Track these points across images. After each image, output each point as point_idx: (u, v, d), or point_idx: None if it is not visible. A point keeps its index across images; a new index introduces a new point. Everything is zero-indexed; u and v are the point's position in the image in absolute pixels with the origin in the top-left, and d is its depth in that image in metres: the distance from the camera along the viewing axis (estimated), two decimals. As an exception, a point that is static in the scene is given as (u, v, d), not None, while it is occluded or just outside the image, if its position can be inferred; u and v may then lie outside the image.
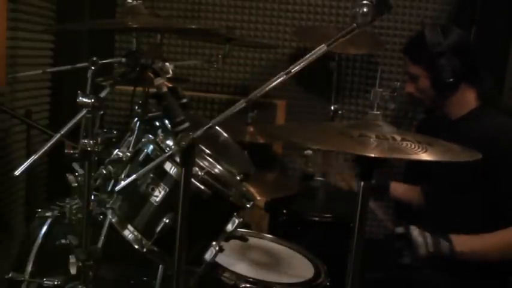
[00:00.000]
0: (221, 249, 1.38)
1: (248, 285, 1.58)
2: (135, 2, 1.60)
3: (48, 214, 1.87)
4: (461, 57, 1.79)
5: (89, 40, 2.75)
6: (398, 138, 1.15)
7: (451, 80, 1.78)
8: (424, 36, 1.81)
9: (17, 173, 1.26)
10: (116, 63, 1.57)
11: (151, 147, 1.42)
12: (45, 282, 1.73)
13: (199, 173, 1.33)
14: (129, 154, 1.54)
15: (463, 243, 1.68)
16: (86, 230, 1.46)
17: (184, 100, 1.34)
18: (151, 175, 1.36)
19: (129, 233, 1.38)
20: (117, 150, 1.57)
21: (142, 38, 1.91)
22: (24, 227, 2.45)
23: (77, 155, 1.43)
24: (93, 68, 1.44)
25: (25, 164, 1.27)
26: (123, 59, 1.50)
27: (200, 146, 1.39)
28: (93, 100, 1.35)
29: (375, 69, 2.99)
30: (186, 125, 1.20)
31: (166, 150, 1.37)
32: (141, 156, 1.44)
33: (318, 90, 2.98)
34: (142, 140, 1.47)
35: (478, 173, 1.67)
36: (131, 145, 1.64)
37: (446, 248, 1.65)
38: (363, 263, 1.13)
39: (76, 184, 1.52)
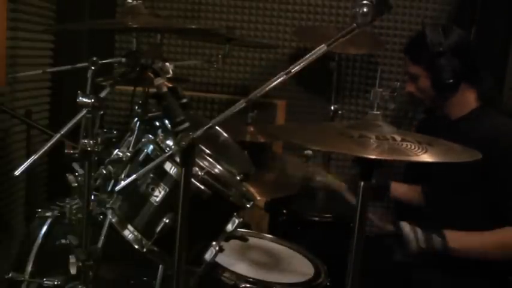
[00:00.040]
0: (221, 249, 1.38)
1: (248, 285, 1.58)
2: (135, 2, 1.60)
3: (48, 214, 1.87)
4: (461, 57, 1.79)
5: (89, 40, 2.75)
6: (398, 138, 1.15)
7: (451, 80, 1.78)
8: (424, 36, 1.81)
9: (17, 173, 1.26)
10: (116, 63, 1.57)
11: (151, 147, 1.42)
12: (45, 282, 1.73)
13: (199, 173, 1.33)
14: (129, 154, 1.54)
15: (457, 239, 1.67)
16: (86, 230, 1.46)
17: (184, 100, 1.34)
18: (151, 175, 1.36)
19: (129, 233, 1.38)
20: (117, 150, 1.57)
21: (142, 38, 1.91)
22: (24, 227, 2.45)
23: (77, 155, 1.43)
24: (93, 68, 1.44)
25: (25, 164, 1.27)
26: (123, 59, 1.50)
27: (200, 146, 1.39)
28: (93, 100, 1.35)
29: (375, 69, 2.99)
30: (186, 125, 1.20)
31: (166, 150, 1.37)
32: (141, 156, 1.44)
33: (318, 90, 2.98)
34: (142, 140, 1.47)
35: (478, 173, 1.67)
36: (131, 145, 1.64)
37: (439, 244, 1.65)
38: (363, 263, 1.13)
39: (76, 184, 1.52)
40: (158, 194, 1.36)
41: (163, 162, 1.34)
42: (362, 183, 1.11)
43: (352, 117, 3.03)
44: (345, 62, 3.02)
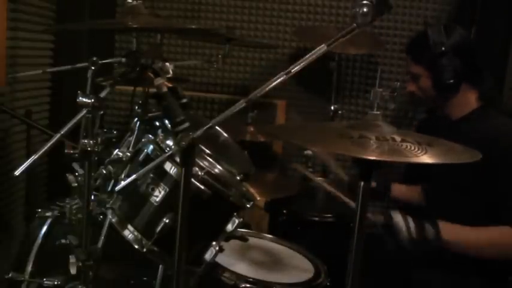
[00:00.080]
0: (221, 249, 1.38)
1: (248, 285, 1.58)
2: (135, 2, 1.60)
3: (48, 214, 1.87)
4: (463, 57, 1.79)
5: (89, 40, 2.75)
6: (398, 139, 1.15)
7: (453, 80, 1.78)
8: (427, 36, 1.80)
9: (17, 173, 1.26)
10: (116, 63, 1.57)
11: (151, 147, 1.42)
12: (45, 282, 1.73)
13: (199, 173, 1.33)
14: (129, 154, 1.54)
15: (451, 232, 1.65)
16: (86, 230, 1.46)
17: (184, 100, 1.34)
18: (151, 175, 1.36)
19: (129, 233, 1.38)
20: (117, 150, 1.57)
21: (142, 38, 1.91)
22: (24, 227, 2.45)
23: (77, 155, 1.43)
24: (93, 68, 1.44)
25: (25, 164, 1.27)
26: (123, 59, 1.50)
27: (200, 146, 1.39)
28: (93, 100, 1.35)
29: (375, 69, 2.99)
30: (186, 125, 1.20)
31: (166, 150, 1.37)
32: (141, 156, 1.44)
33: (318, 90, 2.98)
34: (142, 140, 1.47)
35: (478, 174, 1.67)
36: (131, 145, 1.64)
37: (431, 234, 1.62)
38: (363, 263, 1.13)
39: (76, 184, 1.52)
40: (158, 194, 1.36)
41: (163, 162, 1.34)
42: (362, 183, 1.11)
43: (352, 117, 3.02)
44: (345, 62, 3.02)
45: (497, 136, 1.71)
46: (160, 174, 1.36)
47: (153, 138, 1.43)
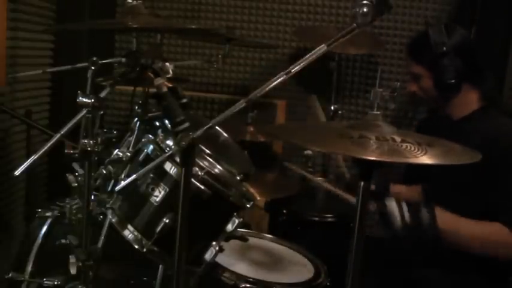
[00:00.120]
0: (221, 249, 1.38)
1: (248, 285, 1.58)
2: (135, 2, 1.60)
3: (48, 214, 1.87)
4: (464, 57, 1.79)
5: (89, 40, 2.75)
6: (398, 139, 1.15)
7: (454, 80, 1.78)
8: (428, 36, 1.80)
9: (17, 173, 1.26)
10: (116, 63, 1.57)
11: (151, 147, 1.42)
12: (45, 282, 1.73)
13: (199, 173, 1.33)
14: (129, 154, 1.54)
15: (447, 221, 1.63)
16: (86, 230, 1.46)
17: (184, 100, 1.34)
18: (151, 175, 1.36)
19: (129, 233, 1.38)
20: (117, 150, 1.57)
21: (142, 38, 1.91)
22: (24, 227, 2.45)
23: (77, 155, 1.43)
24: (93, 68, 1.44)
25: (25, 164, 1.27)
26: (123, 59, 1.50)
27: (200, 146, 1.39)
28: (93, 100, 1.35)
29: (375, 69, 2.99)
30: (186, 125, 1.20)
31: (166, 150, 1.37)
32: (141, 156, 1.44)
33: (318, 90, 2.97)
34: (142, 140, 1.46)
35: (478, 174, 1.67)
36: (131, 145, 1.64)
37: (426, 219, 1.59)
38: (363, 263, 1.13)
39: (76, 184, 1.52)
40: (158, 194, 1.36)
41: (163, 162, 1.34)
42: (362, 183, 1.11)
43: (352, 117, 3.03)
44: (345, 62, 3.02)
45: (497, 136, 1.71)
46: (160, 174, 1.36)
47: (153, 138, 1.43)
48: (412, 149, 1.11)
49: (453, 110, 1.87)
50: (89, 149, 1.40)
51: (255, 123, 2.41)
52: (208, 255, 1.37)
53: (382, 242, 1.88)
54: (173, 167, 1.35)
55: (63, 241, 1.81)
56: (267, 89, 1.06)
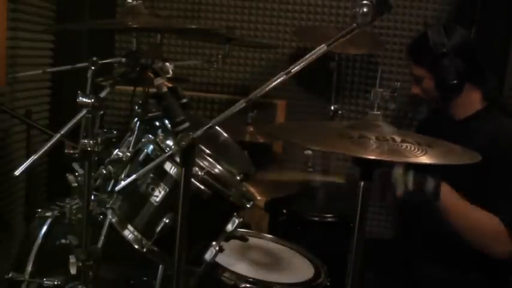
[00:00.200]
0: (221, 249, 1.38)
1: (248, 285, 1.58)
2: (135, 2, 1.60)
3: (48, 214, 1.87)
4: (464, 57, 1.79)
5: (89, 40, 2.75)
6: (398, 139, 1.15)
7: (455, 81, 1.78)
8: (427, 38, 1.80)
9: (17, 173, 1.26)
10: (116, 63, 1.57)
11: (151, 147, 1.42)
12: (45, 282, 1.73)
13: (199, 173, 1.33)
14: (129, 154, 1.54)
15: (451, 198, 1.63)
16: (86, 230, 1.46)
17: (184, 100, 1.34)
18: (151, 175, 1.36)
19: (129, 233, 1.38)
20: (117, 150, 1.57)
21: (142, 38, 1.91)
22: (24, 227, 2.45)
23: (77, 155, 1.43)
24: (93, 68, 1.44)
25: (25, 164, 1.27)
26: (123, 59, 1.50)
27: (200, 146, 1.39)
28: (93, 100, 1.35)
29: (375, 69, 2.99)
30: (186, 125, 1.20)
31: (166, 150, 1.37)
32: (141, 156, 1.44)
33: (318, 90, 2.98)
34: (142, 140, 1.47)
35: (479, 174, 1.67)
36: (131, 145, 1.64)
37: (430, 188, 1.58)
38: (363, 263, 1.13)
39: (76, 184, 1.52)
40: (158, 194, 1.36)
41: (163, 162, 1.34)
42: (362, 183, 1.11)
43: (352, 117, 3.02)
44: (345, 62, 3.02)
45: (498, 136, 1.71)
46: (160, 174, 1.36)
47: (153, 138, 1.43)
48: (412, 149, 1.11)
49: (456, 110, 1.87)
50: (89, 149, 1.40)
51: (255, 123, 2.41)
52: (208, 255, 1.37)
53: (382, 242, 1.88)
54: (173, 167, 1.35)
55: (63, 241, 1.81)
56: (267, 89, 1.06)
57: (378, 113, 1.23)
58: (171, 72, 1.39)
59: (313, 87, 3.01)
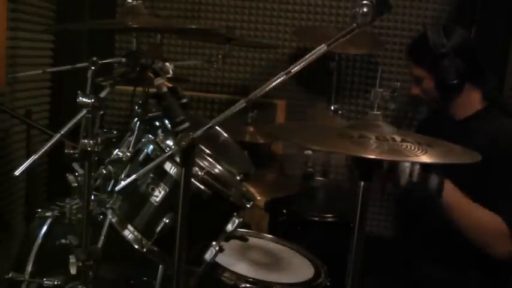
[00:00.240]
0: (221, 249, 1.38)
1: (248, 285, 1.58)
2: (135, 2, 1.60)
3: (48, 214, 1.87)
4: (464, 57, 1.79)
5: (89, 40, 2.75)
6: (398, 139, 1.15)
7: (455, 81, 1.78)
8: (426, 38, 1.80)
9: (17, 173, 1.26)
10: (116, 63, 1.57)
11: (151, 147, 1.42)
12: (45, 282, 1.73)
13: (199, 173, 1.33)
14: (129, 154, 1.54)
15: (454, 195, 1.62)
16: (86, 230, 1.46)
17: (184, 100, 1.34)
18: (151, 175, 1.36)
19: (129, 233, 1.38)
20: (117, 150, 1.57)
21: (142, 38, 1.91)
22: (24, 227, 2.45)
23: (77, 155, 1.43)
24: (93, 68, 1.44)
25: (25, 164, 1.27)
26: (123, 59, 1.50)
27: (200, 146, 1.39)
28: (93, 100, 1.35)
29: (375, 69, 2.99)
30: (186, 125, 1.20)
31: (166, 150, 1.37)
32: (141, 156, 1.44)
33: (318, 90, 2.98)
34: (142, 140, 1.47)
35: (479, 174, 1.67)
36: (131, 145, 1.64)
37: (433, 184, 1.57)
38: (362, 263, 1.13)
39: (76, 184, 1.52)
40: (158, 194, 1.36)
41: (163, 162, 1.34)
42: (362, 183, 1.11)
43: (352, 117, 3.02)
44: (345, 62, 3.02)
45: (498, 136, 1.71)
46: (160, 174, 1.36)
47: (153, 138, 1.43)
48: (412, 148, 1.11)
49: (456, 110, 1.87)
50: (89, 149, 1.40)
51: (255, 123, 2.41)
52: (208, 255, 1.37)
53: (382, 242, 1.88)
54: (173, 167, 1.35)
55: (63, 241, 1.81)
56: (267, 89, 1.06)
57: (378, 113, 1.23)
58: (171, 72, 1.39)
59: (313, 87, 3.01)
